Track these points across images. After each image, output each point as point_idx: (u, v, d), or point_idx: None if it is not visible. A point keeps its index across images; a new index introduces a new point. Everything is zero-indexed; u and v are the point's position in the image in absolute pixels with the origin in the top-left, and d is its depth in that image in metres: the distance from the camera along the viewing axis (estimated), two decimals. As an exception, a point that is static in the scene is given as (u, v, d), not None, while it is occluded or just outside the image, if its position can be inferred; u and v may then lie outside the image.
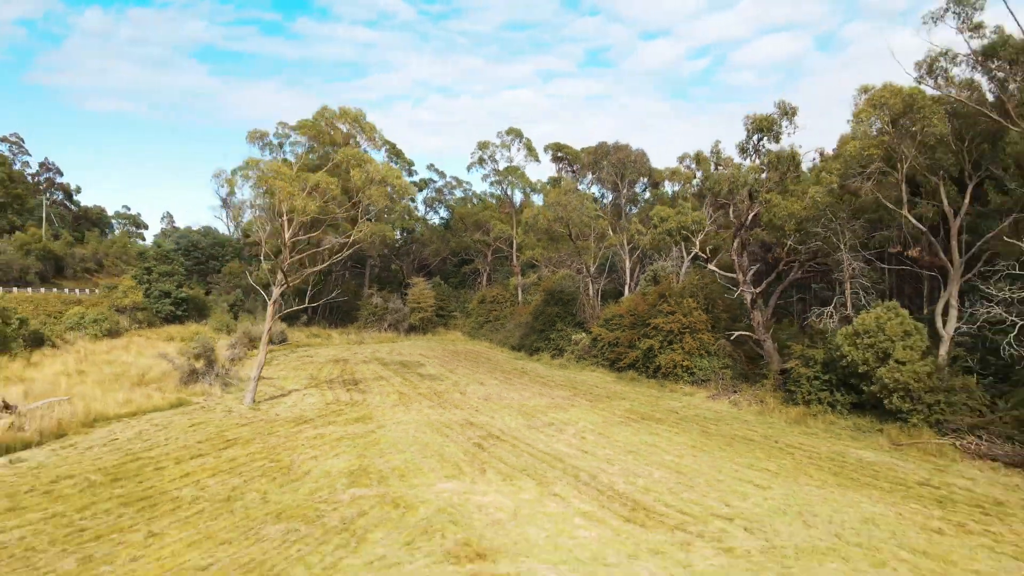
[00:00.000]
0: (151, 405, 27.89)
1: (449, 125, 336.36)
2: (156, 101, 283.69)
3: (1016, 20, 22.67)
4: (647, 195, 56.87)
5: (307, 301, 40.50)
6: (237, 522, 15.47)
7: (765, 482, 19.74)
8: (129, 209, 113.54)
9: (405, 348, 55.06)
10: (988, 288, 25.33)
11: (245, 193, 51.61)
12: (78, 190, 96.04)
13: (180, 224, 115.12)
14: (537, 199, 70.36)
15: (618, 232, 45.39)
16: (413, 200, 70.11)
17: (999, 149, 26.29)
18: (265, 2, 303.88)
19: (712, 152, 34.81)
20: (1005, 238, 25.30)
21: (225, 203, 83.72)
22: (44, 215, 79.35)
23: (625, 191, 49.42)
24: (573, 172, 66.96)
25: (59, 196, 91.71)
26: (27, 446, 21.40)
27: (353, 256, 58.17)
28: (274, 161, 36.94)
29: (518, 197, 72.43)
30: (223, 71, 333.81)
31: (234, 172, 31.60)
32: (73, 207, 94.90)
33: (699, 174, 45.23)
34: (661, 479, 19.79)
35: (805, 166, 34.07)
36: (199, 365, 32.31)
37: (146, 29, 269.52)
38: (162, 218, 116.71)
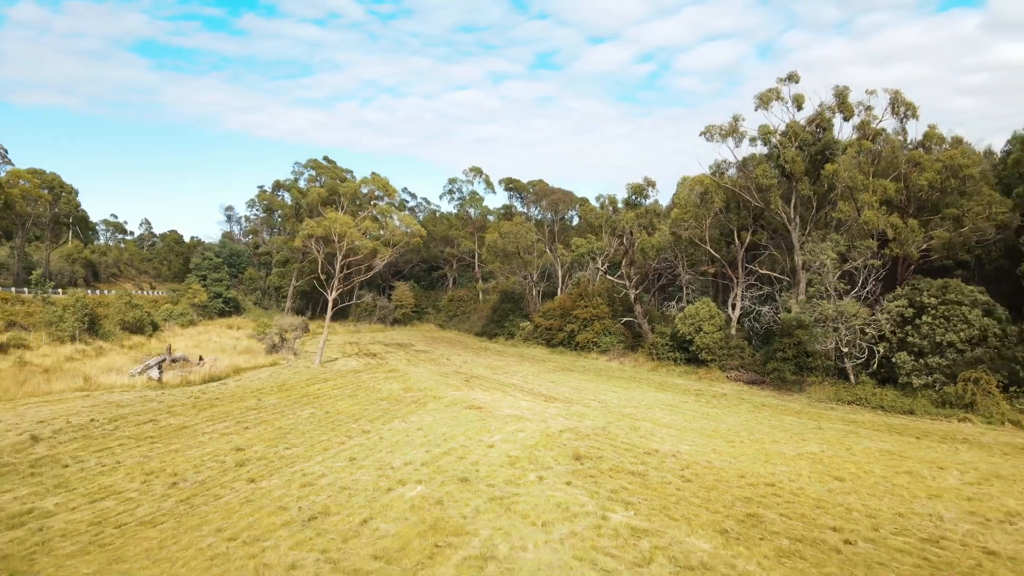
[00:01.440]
0: (259, 364, 44.92)
1: (396, 125, 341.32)
2: (94, 95, 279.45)
3: (777, 146, 42.67)
4: (575, 220, 76.45)
5: (331, 303, 57.62)
6: (359, 403, 33.21)
7: (620, 390, 38.89)
8: (116, 217, 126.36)
9: (395, 335, 72.62)
10: (752, 291, 45.45)
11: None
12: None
13: (157, 230, 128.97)
14: (492, 216, 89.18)
15: (552, 251, 64.58)
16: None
17: (764, 215, 46.51)
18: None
19: (609, 203, 54.23)
20: (755, 265, 45.46)
21: (230, 219, 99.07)
22: (72, 230, 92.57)
23: (557, 224, 68.78)
24: (521, 198, 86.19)
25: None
26: (217, 379, 38.42)
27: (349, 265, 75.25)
28: (342, 215, 53.35)
29: (476, 212, 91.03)
30: (165, 66, 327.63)
31: (301, 212, 48.67)
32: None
33: (610, 209, 64.82)
34: (566, 390, 38.71)
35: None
36: (277, 341, 49.38)
37: (83, 21, 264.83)
38: (140, 224, 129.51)
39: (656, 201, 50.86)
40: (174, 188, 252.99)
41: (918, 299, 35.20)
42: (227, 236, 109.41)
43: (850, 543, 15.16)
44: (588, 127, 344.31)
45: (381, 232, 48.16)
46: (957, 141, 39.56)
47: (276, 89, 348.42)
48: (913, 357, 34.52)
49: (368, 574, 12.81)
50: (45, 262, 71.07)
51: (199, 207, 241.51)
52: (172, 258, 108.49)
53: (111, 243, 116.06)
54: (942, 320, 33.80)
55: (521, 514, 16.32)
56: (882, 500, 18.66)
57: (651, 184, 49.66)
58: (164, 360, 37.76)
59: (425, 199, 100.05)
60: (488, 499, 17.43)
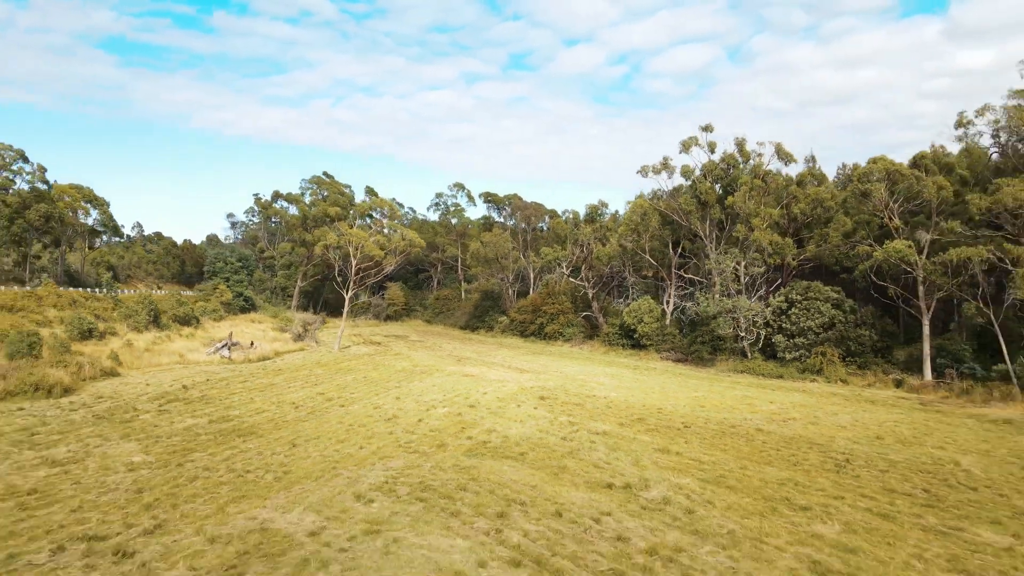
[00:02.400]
0: (291, 349, 56.22)
1: (370, 124, 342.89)
2: (60, 92, 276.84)
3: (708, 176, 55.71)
4: (546, 227, 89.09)
5: (347, 301, 68.90)
6: (383, 373, 44.91)
7: (577, 366, 51.35)
8: (112, 219, 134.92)
9: (390, 329, 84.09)
10: (681, 291, 58.40)
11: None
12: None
13: (148, 230, 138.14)
14: (471, 225, 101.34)
15: (525, 257, 77.07)
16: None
17: (689, 232, 59.52)
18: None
19: (573, 218, 66.81)
20: (683, 271, 58.50)
21: (233, 226, 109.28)
22: (88, 239, 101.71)
23: (530, 234, 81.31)
24: (498, 209, 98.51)
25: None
26: (267, 359, 49.72)
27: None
28: (357, 229, 64.31)
29: (457, 221, 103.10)
30: (133, 63, 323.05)
31: (318, 223, 59.96)
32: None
33: (573, 223, 77.44)
34: (535, 366, 51.06)
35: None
36: (301, 331, 60.72)
37: (49, 17, 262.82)
38: (132, 227, 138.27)
39: (616, 211, 63.89)
40: (144, 187, 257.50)
41: (790, 296, 48.43)
42: (230, 241, 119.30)
43: (687, 426, 27.81)
44: (562, 128, 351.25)
45: (387, 243, 59.77)
46: (823, 178, 53.03)
47: (248, 87, 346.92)
48: (786, 338, 47.72)
49: (429, 434, 24.94)
50: (81, 265, 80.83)
51: (171, 205, 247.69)
52: (170, 260, 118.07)
53: (111, 245, 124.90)
54: (804, 311, 47.03)
55: (507, 418, 28.60)
56: (720, 413, 31.41)
57: (604, 205, 62.62)
58: (227, 344, 49.02)
59: (412, 208, 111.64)
60: (488, 412, 29.68)
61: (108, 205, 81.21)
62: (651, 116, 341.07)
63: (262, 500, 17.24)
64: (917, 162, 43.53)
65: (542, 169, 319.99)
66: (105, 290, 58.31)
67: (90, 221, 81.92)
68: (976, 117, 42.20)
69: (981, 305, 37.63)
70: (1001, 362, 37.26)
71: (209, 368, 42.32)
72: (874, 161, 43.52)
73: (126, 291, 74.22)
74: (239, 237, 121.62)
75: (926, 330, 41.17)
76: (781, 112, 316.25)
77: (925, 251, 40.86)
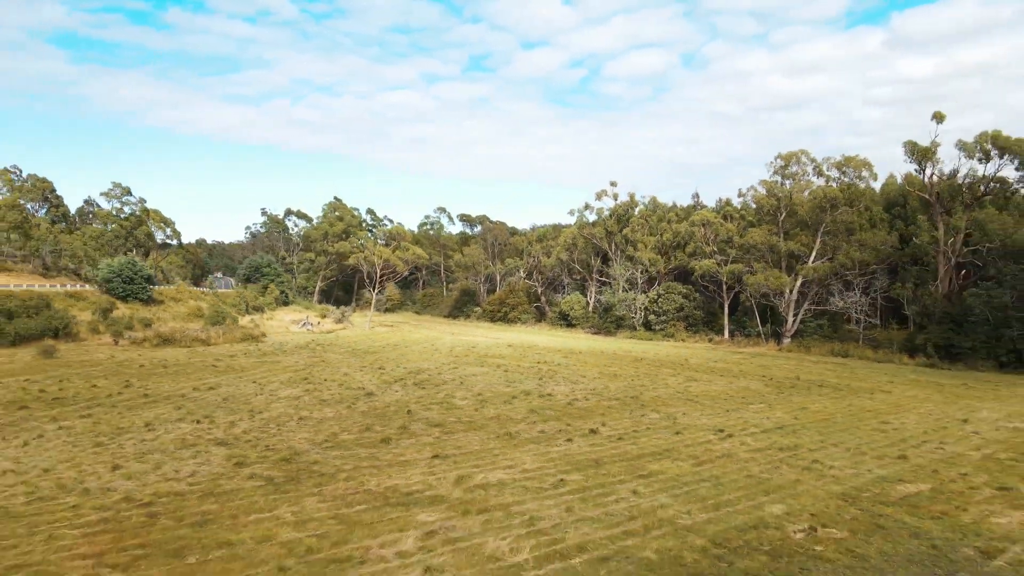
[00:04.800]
0: (337, 328, 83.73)
1: (330, 124, 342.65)
2: (9, 88, 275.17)
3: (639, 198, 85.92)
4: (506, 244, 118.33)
5: (374, 298, 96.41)
6: (408, 340, 73.25)
7: (529, 336, 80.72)
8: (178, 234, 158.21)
9: (391, 318, 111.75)
10: (598, 289, 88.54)
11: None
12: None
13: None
14: (451, 237, 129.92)
15: (493, 265, 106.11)
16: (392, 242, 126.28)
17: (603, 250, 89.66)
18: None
19: (528, 237, 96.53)
20: (602, 276, 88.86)
21: (255, 236, 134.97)
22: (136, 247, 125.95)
23: (496, 248, 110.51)
24: (471, 226, 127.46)
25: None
26: (331, 332, 77.22)
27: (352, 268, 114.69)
28: (382, 247, 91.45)
29: (435, 233, 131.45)
30: (86, 59, 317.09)
31: (346, 234, 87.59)
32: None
33: (527, 241, 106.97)
34: (503, 337, 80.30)
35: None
36: (340, 316, 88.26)
37: None
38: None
39: (560, 224, 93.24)
40: (103, 185, 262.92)
41: (659, 292, 78.87)
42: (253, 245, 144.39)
43: (590, 353, 57.56)
44: (523, 129, 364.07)
45: (404, 256, 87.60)
46: (691, 211, 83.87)
47: (204, 85, 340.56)
48: (655, 317, 78.14)
49: (459, 355, 53.92)
50: (155, 268, 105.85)
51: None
52: (185, 264, 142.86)
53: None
54: (666, 301, 77.51)
55: (492, 351, 57.82)
56: (611, 351, 61.18)
57: (554, 228, 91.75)
58: (306, 322, 76.36)
59: (401, 223, 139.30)
60: (481, 349, 58.79)
61: (175, 223, 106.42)
62: (610, 118, 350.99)
63: (408, 362, 45.80)
64: (720, 210, 74.44)
65: (504, 169, 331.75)
66: (209, 288, 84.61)
67: (160, 236, 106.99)
68: (746, 191, 73.20)
69: (750, 296, 68.46)
70: (764, 326, 68.22)
71: (303, 337, 69.84)
72: (698, 211, 74.17)
73: (194, 288, 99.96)
74: (244, 241, 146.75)
75: (726, 309, 72.05)
76: (735, 117, 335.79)
77: (725, 266, 71.57)
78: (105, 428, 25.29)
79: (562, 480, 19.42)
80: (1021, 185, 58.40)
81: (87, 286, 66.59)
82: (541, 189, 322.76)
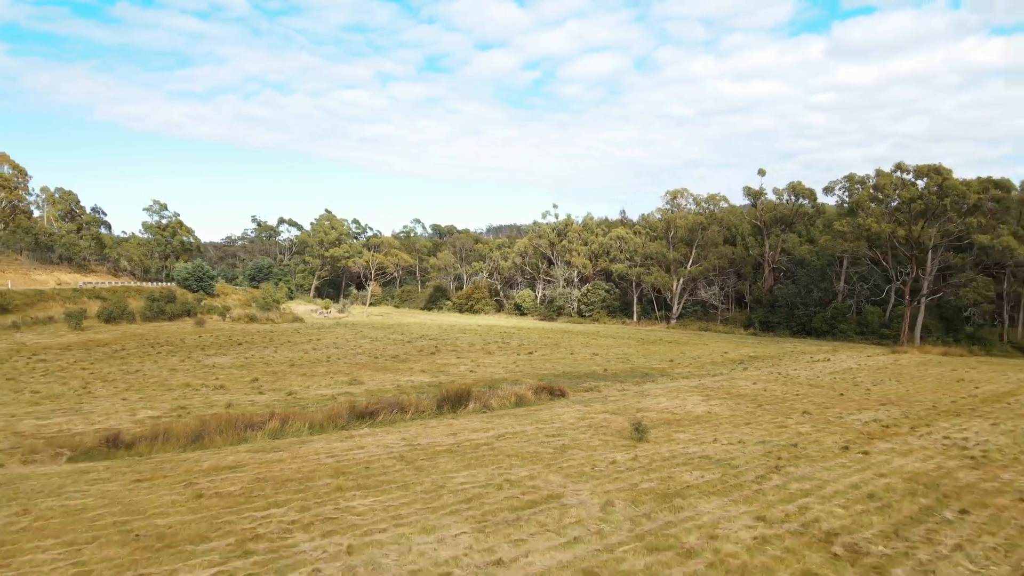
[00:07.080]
0: (341, 316, 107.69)
1: (283, 121, 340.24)
2: None
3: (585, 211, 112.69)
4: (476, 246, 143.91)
5: (369, 294, 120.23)
6: (409, 324, 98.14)
7: (491, 322, 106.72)
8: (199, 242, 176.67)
9: (377, 310, 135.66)
10: (544, 286, 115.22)
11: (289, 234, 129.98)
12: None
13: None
14: (425, 243, 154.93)
15: (461, 267, 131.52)
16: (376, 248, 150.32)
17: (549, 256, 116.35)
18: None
19: (489, 244, 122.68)
20: (546, 275, 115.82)
21: (252, 241, 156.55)
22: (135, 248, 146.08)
23: (464, 253, 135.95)
24: (441, 235, 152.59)
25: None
26: (339, 319, 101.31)
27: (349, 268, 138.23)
28: (378, 254, 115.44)
29: (423, 239, 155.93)
30: (28, 51, 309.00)
31: (343, 239, 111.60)
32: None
33: (488, 248, 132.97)
34: (471, 323, 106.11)
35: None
36: (342, 307, 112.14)
37: None
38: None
39: (520, 224, 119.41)
40: (51, 180, 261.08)
41: (589, 288, 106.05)
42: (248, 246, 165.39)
43: (535, 332, 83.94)
44: (478, 129, 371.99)
45: (396, 259, 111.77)
46: (617, 224, 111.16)
47: (152, 81, 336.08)
48: (586, 307, 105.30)
49: (447, 328, 79.55)
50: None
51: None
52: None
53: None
54: (594, 294, 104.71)
55: (468, 328, 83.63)
56: (552, 330, 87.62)
57: (511, 239, 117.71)
58: (320, 311, 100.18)
59: (379, 231, 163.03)
60: (457, 326, 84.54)
61: (194, 232, 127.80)
62: (565, 119, 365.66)
63: (415, 332, 71.11)
64: (632, 227, 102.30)
65: (463, 169, 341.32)
66: (241, 284, 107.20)
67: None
68: (651, 212, 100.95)
69: (650, 290, 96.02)
70: (659, 311, 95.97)
71: (324, 320, 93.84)
72: (618, 227, 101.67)
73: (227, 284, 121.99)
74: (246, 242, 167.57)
75: (635, 300, 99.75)
76: (687, 119, 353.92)
77: (634, 269, 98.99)
78: (299, 353, 49.89)
79: (515, 363, 45.51)
80: (811, 217, 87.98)
81: (143, 283, 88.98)
82: (500, 188, 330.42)
